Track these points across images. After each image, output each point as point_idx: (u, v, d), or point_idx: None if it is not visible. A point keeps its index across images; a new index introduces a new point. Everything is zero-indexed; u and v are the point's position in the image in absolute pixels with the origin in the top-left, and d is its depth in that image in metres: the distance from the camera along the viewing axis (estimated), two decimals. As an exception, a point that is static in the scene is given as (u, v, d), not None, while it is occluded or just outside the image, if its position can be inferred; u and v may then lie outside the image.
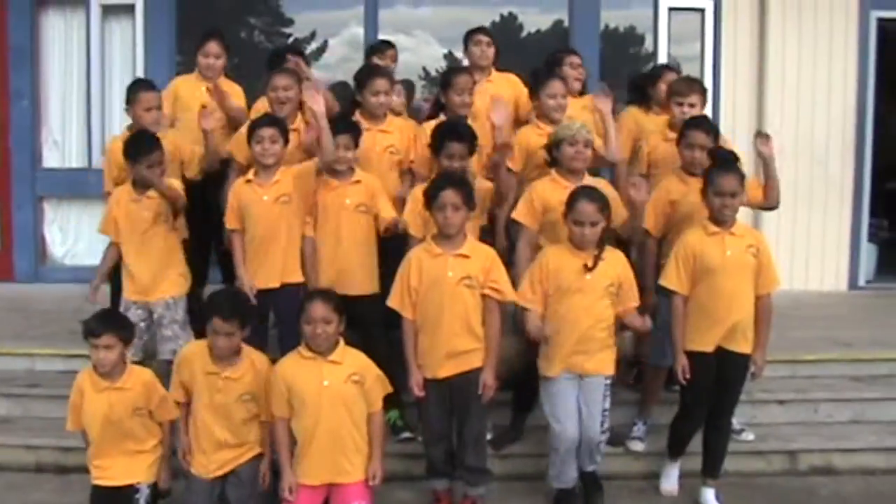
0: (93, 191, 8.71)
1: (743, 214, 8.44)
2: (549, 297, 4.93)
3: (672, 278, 5.02)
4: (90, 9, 8.93)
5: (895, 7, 8.86)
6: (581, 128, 5.30)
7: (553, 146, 5.37)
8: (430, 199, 4.84)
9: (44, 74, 9.12)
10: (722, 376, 5.03)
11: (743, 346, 5.01)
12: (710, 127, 5.48)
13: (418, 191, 5.30)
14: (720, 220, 4.96)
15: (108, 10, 8.98)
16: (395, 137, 5.88)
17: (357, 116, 5.83)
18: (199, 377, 4.81)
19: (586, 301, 4.88)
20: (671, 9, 8.73)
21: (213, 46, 6.52)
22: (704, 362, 4.97)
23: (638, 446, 5.64)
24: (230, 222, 5.48)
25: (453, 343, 4.82)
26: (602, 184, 5.42)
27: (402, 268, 4.93)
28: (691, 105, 5.77)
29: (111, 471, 4.80)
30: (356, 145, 5.47)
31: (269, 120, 5.46)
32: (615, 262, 4.96)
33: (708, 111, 8.01)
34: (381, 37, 8.38)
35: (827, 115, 8.82)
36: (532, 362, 5.09)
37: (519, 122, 6.24)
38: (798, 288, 8.79)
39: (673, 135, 5.67)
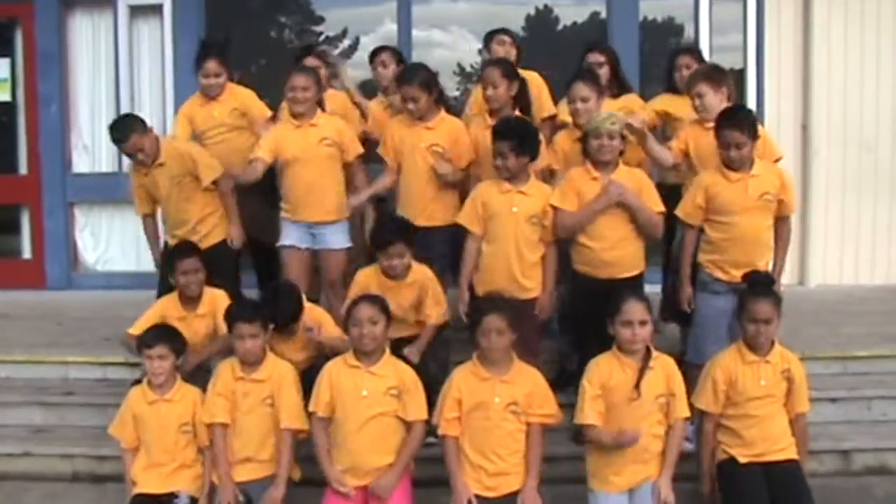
0: (124, 195, 8.70)
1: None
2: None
3: (707, 400, 4.89)
4: (118, 10, 8.89)
5: (945, -12, 8.71)
6: (604, 120, 5.27)
7: (584, 140, 5.38)
8: (474, 324, 4.74)
9: (72, 78, 9.09)
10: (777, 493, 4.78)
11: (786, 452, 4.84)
12: (744, 122, 5.29)
13: (475, 191, 5.50)
14: (754, 346, 4.79)
15: (135, 11, 8.94)
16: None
17: None
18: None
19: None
20: (712, -3, 8.59)
21: (211, 65, 6.44)
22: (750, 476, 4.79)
23: (687, 446, 5.47)
24: None
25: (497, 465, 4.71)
26: (638, 174, 5.44)
27: (446, 388, 4.77)
28: (700, 94, 5.66)
29: (153, 479, 4.91)
30: (410, 246, 5.40)
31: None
32: (664, 370, 4.78)
33: (752, 102, 7.84)
34: (415, 33, 8.45)
35: (875, 102, 8.65)
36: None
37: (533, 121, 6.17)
38: (847, 282, 8.69)
39: (710, 124, 5.51)
